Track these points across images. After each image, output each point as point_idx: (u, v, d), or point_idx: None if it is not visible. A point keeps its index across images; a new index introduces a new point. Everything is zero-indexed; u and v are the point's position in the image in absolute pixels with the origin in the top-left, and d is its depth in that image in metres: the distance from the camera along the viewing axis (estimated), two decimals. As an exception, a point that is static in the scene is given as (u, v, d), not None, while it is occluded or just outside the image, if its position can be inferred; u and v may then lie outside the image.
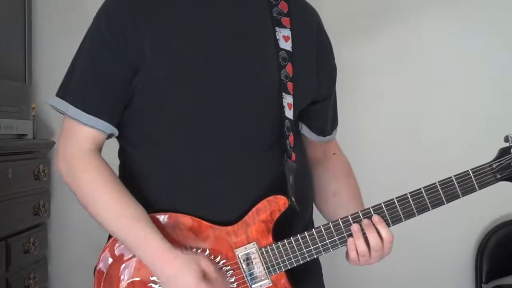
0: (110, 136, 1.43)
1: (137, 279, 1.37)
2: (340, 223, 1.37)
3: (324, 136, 1.57)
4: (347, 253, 1.39)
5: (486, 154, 1.42)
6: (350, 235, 1.37)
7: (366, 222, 1.36)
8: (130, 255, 1.38)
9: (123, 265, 1.38)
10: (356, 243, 1.36)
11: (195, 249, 1.36)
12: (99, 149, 1.40)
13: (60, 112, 1.40)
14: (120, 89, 1.37)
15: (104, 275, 1.39)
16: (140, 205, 1.36)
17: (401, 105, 2.91)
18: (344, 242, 1.38)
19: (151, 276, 1.36)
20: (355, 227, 1.36)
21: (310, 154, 1.58)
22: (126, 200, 1.36)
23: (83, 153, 1.37)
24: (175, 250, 1.32)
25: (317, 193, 1.57)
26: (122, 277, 1.38)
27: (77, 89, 1.38)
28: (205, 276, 1.31)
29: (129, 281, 1.37)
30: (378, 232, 1.36)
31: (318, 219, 1.53)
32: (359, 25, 2.89)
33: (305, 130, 1.55)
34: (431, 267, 2.89)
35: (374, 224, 1.36)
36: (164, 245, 1.32)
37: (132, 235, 1.34)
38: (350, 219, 1.37)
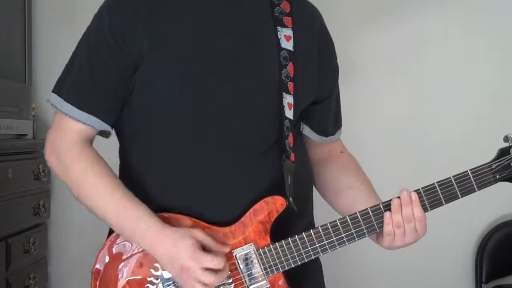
0: (108, 133, 1.43)
1: (134, 278, 1.37)
2: (338, 224, 1.37)
3: (326, 137, 1.56)
4: (378, 236, 1.39)
5: (486, 154, 1.42)
6: (349, 235, 1.37)
7: (406, 196, 1.36)
8: (127, 255, 1.38)
9: (120, 265, 1.38)
10: (392, 216, 1.35)
11: None
12: (89, 141, 1.40)
13: (54, 107, 1.41)
14: (117, 87, 1.38)
15: (100, 275, 1.39)
16: (129, 190, 1.36)
17: (401, 105, 2.91)
18: (342, 243, 1.37)
19: (148, 277, 1.36)
20: (396, 202, 1.36)
21: (315, 155, 1.58)
22: (118, 186, 1.36)
23: (73, 145, 1.38)
24: (170, 227, 1.33)
25: (328, 187, 1.55)
26: (119, 277, 1.38)
27: (73, 86, 1.39)
28: (203, 247, 1.31)
29: (125, 281, 1.37)
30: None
31: (319, 220, 1.52)
32: (359, 25, 2.89)
33: (306, 130, 1.55)
34: (431, 267, 2.89)
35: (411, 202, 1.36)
36: (159, 224, 1.32)
37: (127, 218, 1.34)
38: (348, 219, 1.37)
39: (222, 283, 1.36)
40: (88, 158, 1.38)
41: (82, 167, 1.37)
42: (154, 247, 1.33)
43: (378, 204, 1.38)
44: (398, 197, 1.37)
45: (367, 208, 1.38)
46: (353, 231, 1.37)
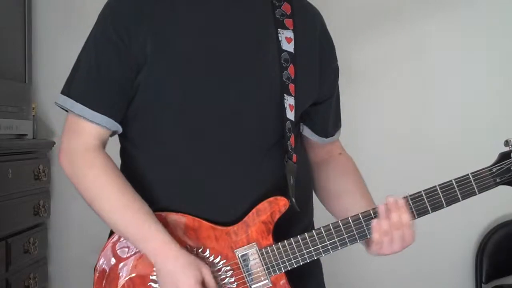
0: (113, 133, 1.43)
1: (137, 277, 1.37)
2: (341, 225, 1.37)
3: (326, 137, 1.56)
4: (367, 243, 1.39)
5: (486, 156, 1.43)
6: (351, 237, 1.37)
7: (392, 201, 1.35)
8: (130, 254, 1.38)
9: (122, 264, 1.38)
10: (380, 222, 1.35)
11: (195, 249, 1.36)
12: (103, 145, 1.40)
13: (64, 110, 1.40)
14: (123, 87, 1.38)
15: (103, 274, 1.39)
16: (144, 200, 1.36)
17: (401, 106, 2.92)
18: (344, 244, 1.37)
19: (151, 275, 1.37)
20: (382, 208, 1.35)
21: (314, 155, 1.58)
22: (130, 194, 1.36)
23: (87, 149, 1.37)
24: (180, 247, 1.32)
25: (325, 191, 1.56)
26: (121, 275, 1.38)
27: (82, 86, 1.38)
28: (203, 284, 1.31)
29: (128, 279, 1.37)
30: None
31: (319, 220, 1.53)
32: (360, 27, 2.89)
33: (306, 131, 1.55)
34: (431, 267, 2.90)
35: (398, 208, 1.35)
36: (169, 239, 1.32)
37: (136, 227, 1.33)
38: (350, 220, 1.37)
39: (224, 282, 1.36)
40: (101, 165, 1.37)
41: (95, 174, 1.36)
42: (159, 261, 1.32)
43: (369, 210, 1.38)
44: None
45: (368, 210, 1.38)
46: (354, 232, 1.37)
